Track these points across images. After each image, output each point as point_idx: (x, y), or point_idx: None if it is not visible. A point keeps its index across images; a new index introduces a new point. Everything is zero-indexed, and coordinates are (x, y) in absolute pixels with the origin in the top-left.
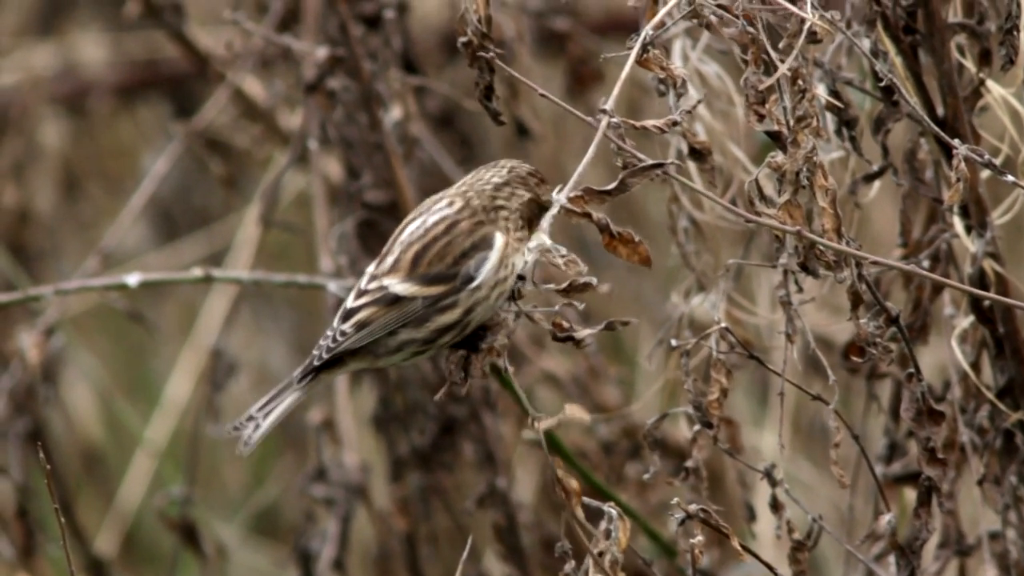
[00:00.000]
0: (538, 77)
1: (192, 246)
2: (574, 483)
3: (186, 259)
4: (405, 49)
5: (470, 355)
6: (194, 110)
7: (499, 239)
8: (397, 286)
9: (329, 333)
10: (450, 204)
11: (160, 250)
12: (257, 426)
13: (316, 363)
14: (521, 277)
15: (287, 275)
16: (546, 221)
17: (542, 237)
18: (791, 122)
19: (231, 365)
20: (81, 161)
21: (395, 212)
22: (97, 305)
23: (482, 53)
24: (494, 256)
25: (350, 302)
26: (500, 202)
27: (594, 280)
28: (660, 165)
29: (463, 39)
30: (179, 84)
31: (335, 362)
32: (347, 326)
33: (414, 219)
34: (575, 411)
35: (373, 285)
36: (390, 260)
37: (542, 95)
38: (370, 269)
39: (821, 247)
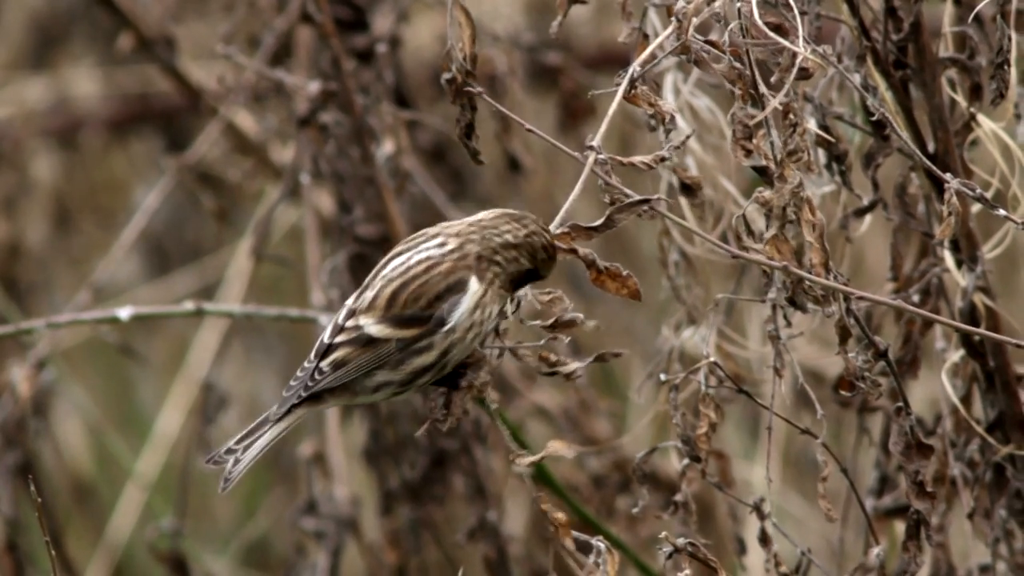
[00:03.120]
0: (530, 111)
1: (184, 279)
2: (561, 516)
3: (178, 292)
4: (397, 83)
5: (451, 392)
6: (186, 144)
7: (473, 284)
8: (372, 327)
9: (307, 366)
10: (441, 245)
11: (152, 284)
12: (237, 460)
13: (295, 400)
14: (503, 315)
15: (279, 309)
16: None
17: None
18: (779, 157)
19: (222, 398)
20: (73, 195)
21: (387, 246)
22: (88, 338)
23: (467, 90)
24: (467, 300)
25: (327, 337)
26: (499, 258)
27: (580, 316)
28: (647, 201)
29: (447, 75)
30: (171, 118)
31: (314, 397)
32: (324, 364)
33: (400, 253)
34: (558, 447)
35: (351, 323)
36: (369, 295)
37: (529, 130)
38: (349, 303)
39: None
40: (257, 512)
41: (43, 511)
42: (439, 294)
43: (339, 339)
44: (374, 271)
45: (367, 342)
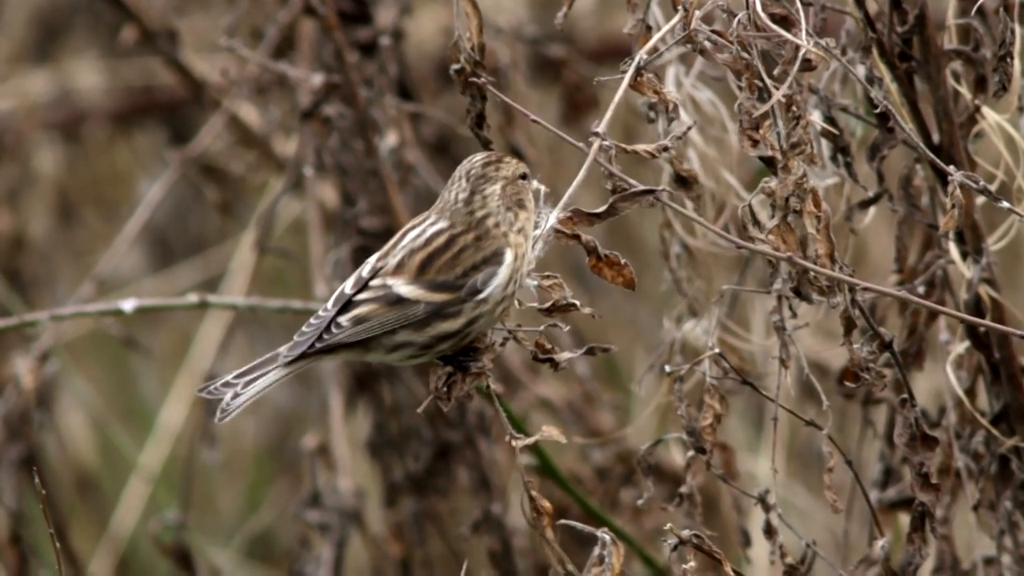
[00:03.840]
0: (533, 104)
1: (187, 272)
2: (548, 505)
3: (181, 285)
4: (401, 76)
5: (455, 374)
6: (190, 137)
7: (508, 255)
8: (402, 287)
9: (323, 314)
10: (436, 222)
11: (155, 276)
12: (236, 395)
13: (308, 350)
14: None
15: (282, 301)
16: (537, 244)
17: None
18: (783, 147)
19: None
20: (76, 187)
21: (390, 238)
22: (92, 331)
23: (474, 80)
24: (503, 272)
25: (349, 288)
26: (480, 213)
27: (576, 302)
28: (651, 191)
29: (456, 66)
30: (175, 111)
31: (327, 349)
32: (344, 319)
33: (412, 228)
34: (552, 432)
35: (376, 282)
36: (393, 261)
37: (534, 121)
38: (372, 260)
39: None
40: (261, 504)
41: (47, 503)
42: (476, 264)
43: (363, 296)
44: (393, 242)
45: (395, 301)
